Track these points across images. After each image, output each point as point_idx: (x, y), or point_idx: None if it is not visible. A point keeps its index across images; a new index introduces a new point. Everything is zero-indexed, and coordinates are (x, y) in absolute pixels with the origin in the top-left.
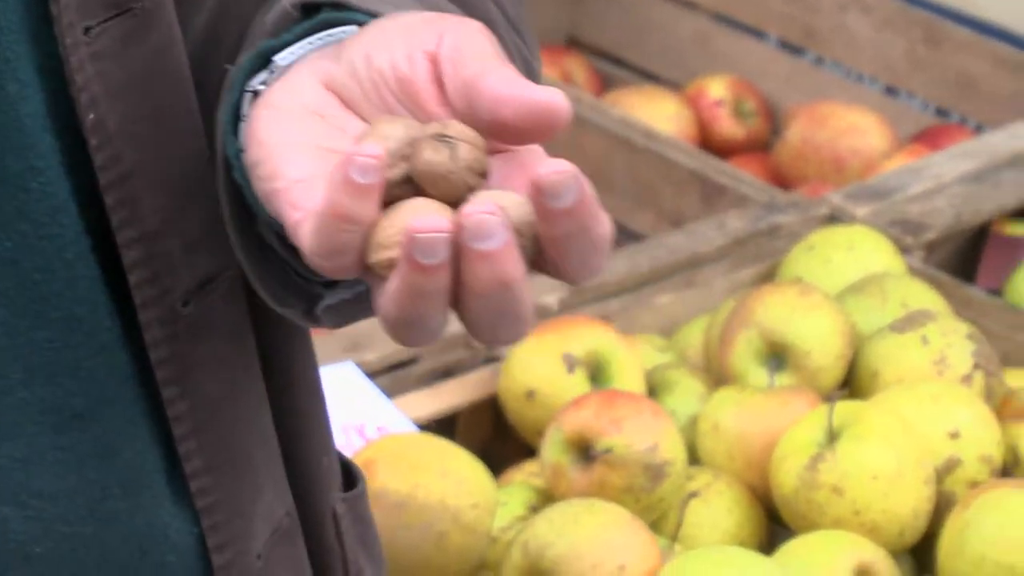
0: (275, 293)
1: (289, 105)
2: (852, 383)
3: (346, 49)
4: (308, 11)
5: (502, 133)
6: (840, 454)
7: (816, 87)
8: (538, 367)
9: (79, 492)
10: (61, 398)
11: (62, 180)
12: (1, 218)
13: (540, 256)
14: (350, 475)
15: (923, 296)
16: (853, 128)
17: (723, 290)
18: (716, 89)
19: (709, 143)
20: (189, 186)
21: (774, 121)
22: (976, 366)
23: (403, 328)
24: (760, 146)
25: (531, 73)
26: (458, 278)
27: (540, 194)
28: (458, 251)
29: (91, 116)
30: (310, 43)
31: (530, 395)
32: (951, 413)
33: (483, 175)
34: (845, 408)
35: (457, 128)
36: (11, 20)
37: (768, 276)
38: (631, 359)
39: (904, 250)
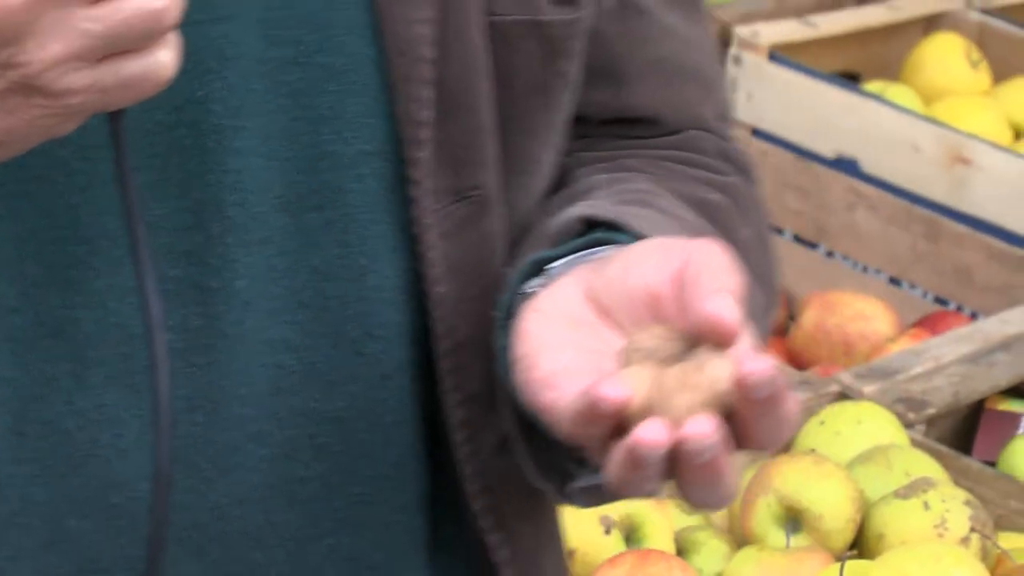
0: (539, 467)
1: (553, 311)
2: (861, 544)
3: (608, 263)
4: (588, 221)
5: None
6: None
7: (827, 277)
8: (578, 528)
9: None
10: (363, 549)
11: (396, 349)
12: (331, 377)
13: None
14: None
15: (924, 466)
16: (861, 315)
17: (744, 459)
18: None
19: None
20: None
21: (790, 308)
22: (973, 529)
23: (621, 491)
24: (778, 330)
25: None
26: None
27: (744, 387)
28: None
29: (437, 290)
30: (580, 256)
31: (571, 554)
32: (950, 572)
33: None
34: (854, 567)
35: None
36: (369, 200)
37: (785, 447)
38: (662, 521)
39: (907, 424)
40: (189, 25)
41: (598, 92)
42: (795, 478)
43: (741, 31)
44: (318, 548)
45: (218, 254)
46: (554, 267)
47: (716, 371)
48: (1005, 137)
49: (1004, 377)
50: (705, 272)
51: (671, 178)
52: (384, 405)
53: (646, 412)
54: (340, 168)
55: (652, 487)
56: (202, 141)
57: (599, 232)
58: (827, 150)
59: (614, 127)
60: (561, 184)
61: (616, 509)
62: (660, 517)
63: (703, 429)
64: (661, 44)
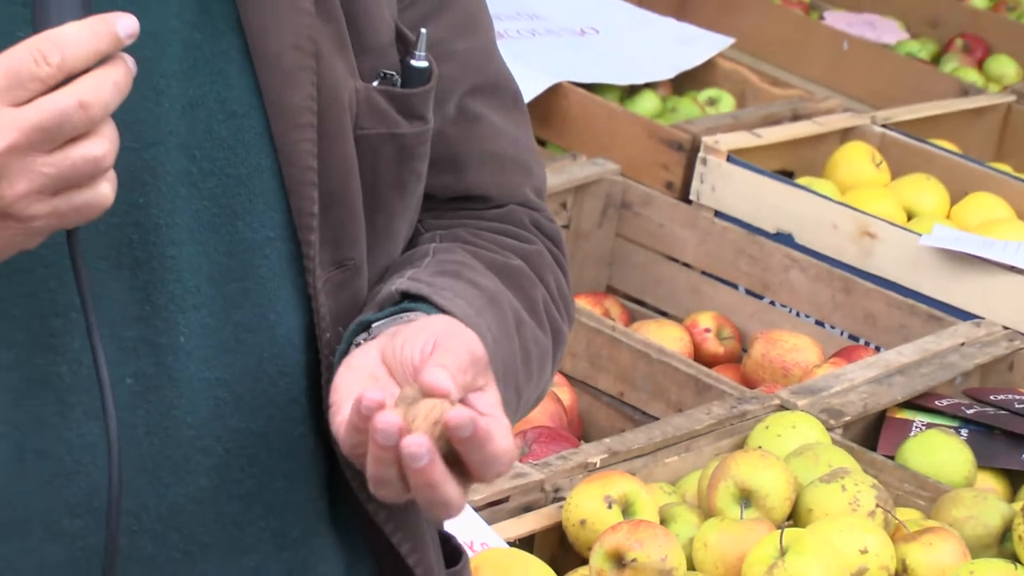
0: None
1: (359, 367)
2: (795, 516)
3: (397, 335)
4: (404, 293)
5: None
6: (788, 564)
7: (770, 320)
8: (588, 504)
9: None
10: (285, 528)
11: (299, 380)
12: (255, 403)
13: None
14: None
15: (842, 459)
16: (795, 348)
17: (710, 454)
18: (705, 321)
19: (700, 357)
20: None
21: (743, 342)
22: (878, 506)
23: (375, 485)
24: (734, 359)
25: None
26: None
27: (448, 428)
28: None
29: (327, 336)
30: (396, 319)
31: (583, 523)
32: (861, 537)
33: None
34: (790, 533)
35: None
36: (275, 272)
37: (740, 445)
38: (650, 499)
39: (829, 428)
40: (126, 151)
41: (443, 177)
42: (747, 467)
43: (707, 140)
44: (253, 530)
45: (163, 318)
46: (377, 325)
47: (443, 413)
48: (900, 218)
49: (900, 393)
50: (440, 351)
51: (488, 248)
52: (293, 421)
53: None
54: (252, 250)
55: (398, 491)
56: (145, 236)
57: (407, 303)
58: (770, 227)
59: (455, 203)
60: (413, 240)
61: (616, 490)
62: (648, 496)
63: (417, 440)
64: (493, 142)
